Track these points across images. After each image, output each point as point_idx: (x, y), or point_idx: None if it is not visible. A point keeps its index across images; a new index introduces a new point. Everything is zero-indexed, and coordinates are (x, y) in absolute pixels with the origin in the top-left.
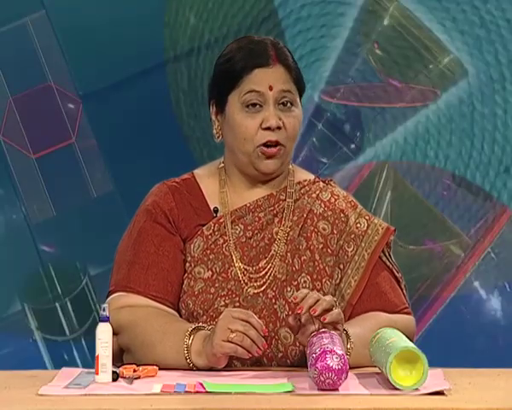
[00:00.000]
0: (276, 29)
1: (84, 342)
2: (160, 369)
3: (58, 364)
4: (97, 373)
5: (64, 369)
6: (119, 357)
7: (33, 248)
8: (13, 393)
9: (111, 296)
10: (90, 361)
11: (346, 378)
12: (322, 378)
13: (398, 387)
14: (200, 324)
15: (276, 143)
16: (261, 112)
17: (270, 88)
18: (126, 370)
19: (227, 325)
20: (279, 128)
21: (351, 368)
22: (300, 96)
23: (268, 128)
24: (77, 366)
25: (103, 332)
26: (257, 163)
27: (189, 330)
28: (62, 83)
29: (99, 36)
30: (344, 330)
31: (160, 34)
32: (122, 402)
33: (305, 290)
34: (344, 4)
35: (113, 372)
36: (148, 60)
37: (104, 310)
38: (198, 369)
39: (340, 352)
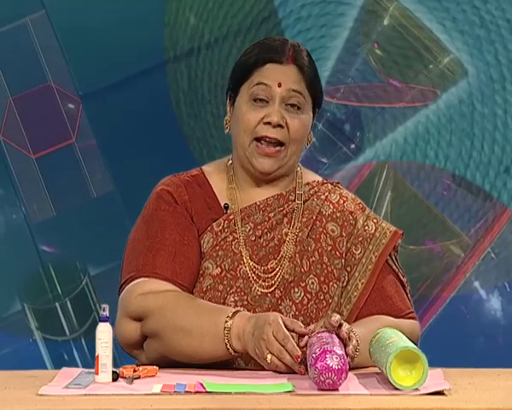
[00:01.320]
0: (276, 29)
1: (84, 342)
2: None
3: (58, 364)
4: (97, 373)
5: (64, 369)
6: (139, 345)
7: (33, 248)
8: (13, 393)
9: (134, 282)
10: (90, 361)
11: (345, 378)
12: (322, 378)
13: (398, 387)
14: (241, 309)
15: (276, 142)
16: (266, 107)
17: (279, 85)
18: (126, 370)
19: (266, 344)
20: (281, 127)
21: (352, 368)
22: (314, 105)
23: (269, 123)
24: (77, 366)
25: (103, 332)
26: (251, 159)
27: (230, 314)
28: (62, 83)
29: (99, 36)
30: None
31: (160, 34)
32: (122, 402)
33: (338, 316)
34: (344, 4)
35: (113, 372)
36: (148, 60)
37: (104, 310)
38: (235, 351)
39: (339, 352)
